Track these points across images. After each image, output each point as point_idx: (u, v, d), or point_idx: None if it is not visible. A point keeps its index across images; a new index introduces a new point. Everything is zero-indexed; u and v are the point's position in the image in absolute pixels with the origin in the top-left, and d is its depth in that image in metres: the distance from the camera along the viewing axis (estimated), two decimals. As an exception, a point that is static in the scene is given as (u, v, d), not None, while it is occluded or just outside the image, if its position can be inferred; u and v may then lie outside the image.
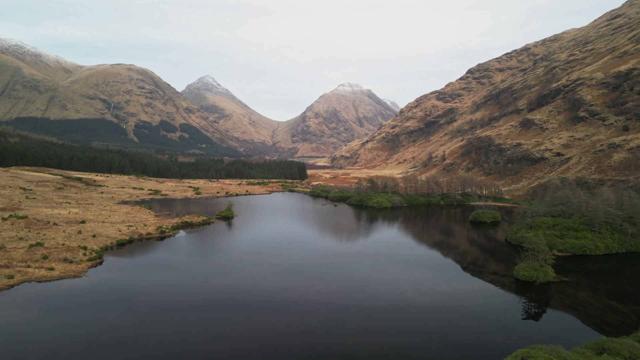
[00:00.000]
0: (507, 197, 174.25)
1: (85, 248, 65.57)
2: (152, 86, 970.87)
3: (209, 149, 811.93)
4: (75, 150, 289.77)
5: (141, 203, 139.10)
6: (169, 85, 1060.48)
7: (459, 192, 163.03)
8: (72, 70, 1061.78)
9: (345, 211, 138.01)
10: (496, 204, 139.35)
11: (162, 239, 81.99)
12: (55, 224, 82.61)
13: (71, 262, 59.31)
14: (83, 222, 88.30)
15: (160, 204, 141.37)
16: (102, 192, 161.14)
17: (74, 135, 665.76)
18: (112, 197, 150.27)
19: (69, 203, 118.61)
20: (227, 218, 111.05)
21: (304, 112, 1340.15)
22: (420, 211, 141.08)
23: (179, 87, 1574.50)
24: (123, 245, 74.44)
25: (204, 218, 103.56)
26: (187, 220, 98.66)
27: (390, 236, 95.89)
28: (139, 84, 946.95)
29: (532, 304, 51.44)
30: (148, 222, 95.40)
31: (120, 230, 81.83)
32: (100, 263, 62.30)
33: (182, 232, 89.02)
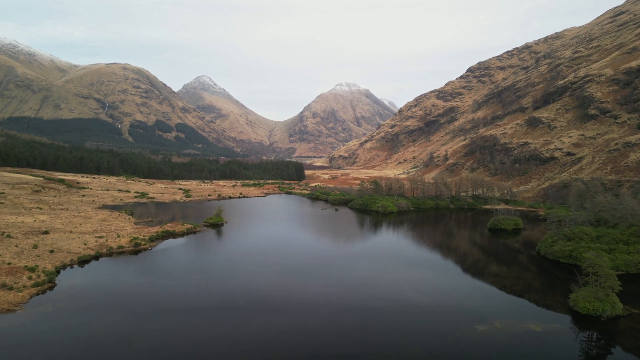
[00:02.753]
0: (519, 199, 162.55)
1: (33, 269, 53.34)
2: (147, 85, 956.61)
3: (205, 149, 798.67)
4: (62, 150, 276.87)
5: (124, 207, 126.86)
6: (164, 84, 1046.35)
7: (470, 194, 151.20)
8: (67, 69, 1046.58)
9: (347, 216, 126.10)
10: (509, 207, 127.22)
11: (136, 252, 69.83)
12: (9, 235, 70.30)
13: (11, 288, 47.16)
14: (46, 232, 76.05)
15: (145, 209, 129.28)
16: (83, 195, 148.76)
17: (67, 135, 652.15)
18: (93, 200, 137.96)
19: (40, 209, 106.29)
20: (216, 225, 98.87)
21: (302, 112, 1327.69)
22: (429, 216, 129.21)
23: (176, 86, 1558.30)
24: (86, 263, 62.23)
25: (189, 226, 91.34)
26: (169, 229, 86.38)
27: (402, 248, 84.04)
28: (134, 83, 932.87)
29: (597, 344, 39.81)
30: (124, 231, 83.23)
31: (86, 243, 69.54)
32: (51, 288, 50.12)
33: (161, 244, 76.76)
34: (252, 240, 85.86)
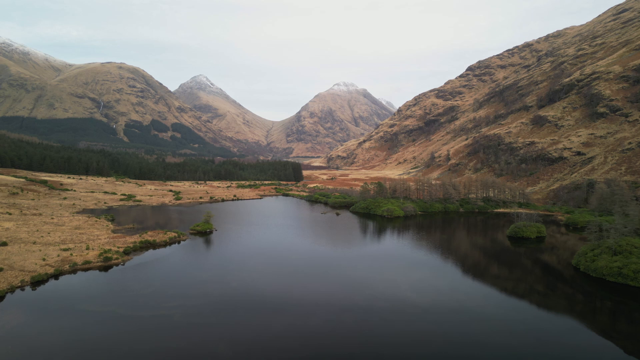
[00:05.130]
0: (532, 202, 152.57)
1: (-35, 296, 42.98)
2: (143, 85, 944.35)
3: (202, 149, 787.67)
4: (49, 149, 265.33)
5: (107, 212, 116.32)
6: (160, 84, 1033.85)
7: (480, 196, 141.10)
8: (62, 68, 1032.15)
9: (350, 221, 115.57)
10: (531, 211, 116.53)
11: (106, 268, 59.32)
12: (-45, 249, 59.84)
13: None
14: (4, 244, 65.41)
15: (129, 213, 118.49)
16: (64, 198, 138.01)
17: (61, 135, 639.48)
18: (74, 204, 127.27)
19: (10, 214, 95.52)
20: (204, 233, 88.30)
21: (299, 112, 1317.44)
22: (438, 221, 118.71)
23: (173, 86, 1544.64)
24: (42, 283, 51.64)
25: (173, 235, 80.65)
26: (149, 238, 75.71)
27: (420, 264, 73.70)
28: (130, 82, 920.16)
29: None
30: (97, 241, 72.65)
31: (45, 259, 58.94)
32: (-15, 321, 39.74)
33: (137, 258, 65.98)
34: (243, 252, 75.01)
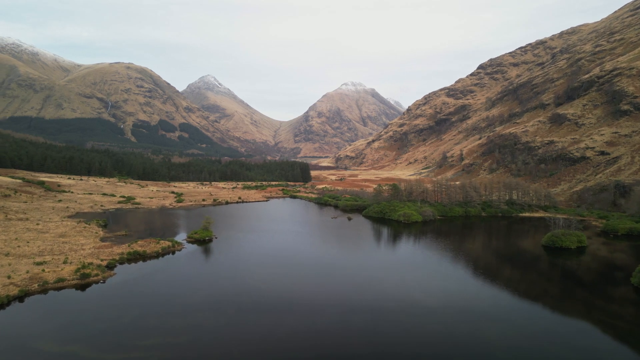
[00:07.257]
0: (559, 205, 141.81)
1: None
2: (151, 85, 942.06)
3: (209, 149, 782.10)
4: (51, 149, 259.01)
5: (101, 216, 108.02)
6: (168, 84, 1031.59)
7: (503, 199, 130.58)
8: (70, 69, 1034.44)
9: (364, 227, 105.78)
10: (570, 217, 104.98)
11: (83, 287, 50.50)
12: None
13: None
14: (-30, 256, 57.20)
15: (124, 217, 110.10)
16: (59, 201, 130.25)
17: (69, 135, 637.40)
18: (68, 207, 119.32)
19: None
20: (202, 242, 79.24)
21: (307, 112, 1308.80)
22: (459, 226, 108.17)
23: (181, 86, 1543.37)
24: (1, 308, 43.09)
25: (166, 244, 71.63)
26: (138, 249, 66.79)
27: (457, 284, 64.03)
28: (138, 82, 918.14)
29: None
30: (79, 252, 64.02)
31: (11, 276, 50.19)
32: None
33: (121, 272, 56.96)
34: (244, 266, 65.48)
